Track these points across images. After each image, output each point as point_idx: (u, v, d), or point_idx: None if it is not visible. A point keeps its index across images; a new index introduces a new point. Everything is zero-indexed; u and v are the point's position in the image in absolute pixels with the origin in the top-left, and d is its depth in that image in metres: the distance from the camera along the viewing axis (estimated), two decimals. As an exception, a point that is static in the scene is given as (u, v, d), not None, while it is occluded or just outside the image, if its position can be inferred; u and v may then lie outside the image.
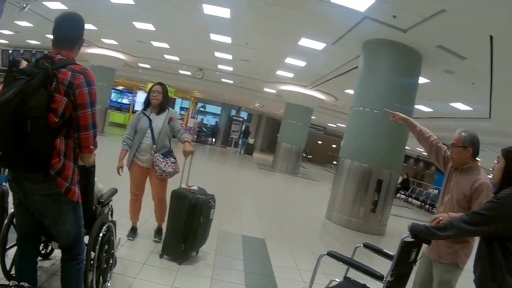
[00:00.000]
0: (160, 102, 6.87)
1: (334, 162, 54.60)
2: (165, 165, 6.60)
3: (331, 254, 4.25)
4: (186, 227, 6.04)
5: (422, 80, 13.34)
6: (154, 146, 6.66)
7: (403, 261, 3.78)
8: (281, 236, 9.51)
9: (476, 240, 3.91)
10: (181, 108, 49.20)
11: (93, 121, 3.43)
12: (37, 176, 3.25)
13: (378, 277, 3.78)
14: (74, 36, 3.55)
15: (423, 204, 26.95)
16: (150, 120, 6.77)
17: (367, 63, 12.84)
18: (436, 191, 32.99)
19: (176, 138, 6.83)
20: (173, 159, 6.75)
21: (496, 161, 3.72)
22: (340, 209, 12.44)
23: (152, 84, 7.24)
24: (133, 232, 6.98)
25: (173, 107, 45.36)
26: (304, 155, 34.50)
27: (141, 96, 41.66)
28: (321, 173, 38.98)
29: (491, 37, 9.98)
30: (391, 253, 4.29)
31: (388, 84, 12.16)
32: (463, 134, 4.70)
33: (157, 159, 6.60)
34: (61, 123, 3.27)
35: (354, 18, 11.09)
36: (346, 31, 12.29)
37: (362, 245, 4.79)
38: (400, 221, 14.98)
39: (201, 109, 49.91)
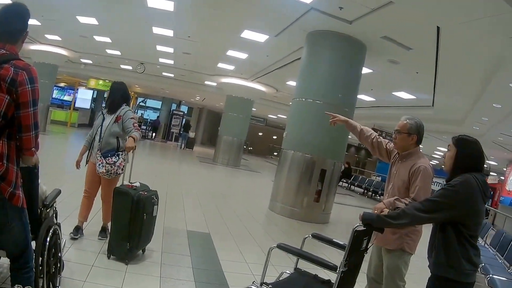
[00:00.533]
0: (112, 101, 6.88)
1: (275, 153, 54.95)
2: (99, 165, 6.49)
3: (281, 247, 4.15)
4: (129, 225, 5.88)
5: (365, 70, 13.50)
6: (99, 144, 6.59)
7: (355, 250, 3.73)
8: (226, 230, 9.44)
9: (426, 226, 3.94)
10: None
11: (35, 121, 3.23)
12: None
13: (331, 267, 3.71)
14: (18, 29, 3.28)
15: (365, 191, 27.58)
16: (103, 119, 6.76)
17: (310, 54, 12.84)
18: (379, 178, 33.62)
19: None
20: (114, 159, 6.56)
21: (447, 149, 3.77)
22: (284, 200, 12.50)
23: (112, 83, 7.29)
24: (77, 230, 6.65)
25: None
26: (245, 147, 34.55)
27: (82, 93, 41.19)
28: (262, 164, 39.44)
29: (438, 28, 10.12)
30: (341, 243, 4.36)
31: (331, 75, 12.23)
32: (409, 121, 4.87)
33: (97, 158, 6.54)
34: (3, 123, 3.07)
35: (300, 10, 11.06)
36: (290, 23, 12.27)
37: (310, 236, 4.70)
38: (343, 209, 15.14)
39: (141, 104, 49.47)
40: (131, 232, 5.89)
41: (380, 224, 3.66)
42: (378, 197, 25.79)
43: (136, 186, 6.20)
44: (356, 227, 3.62)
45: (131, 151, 6.30)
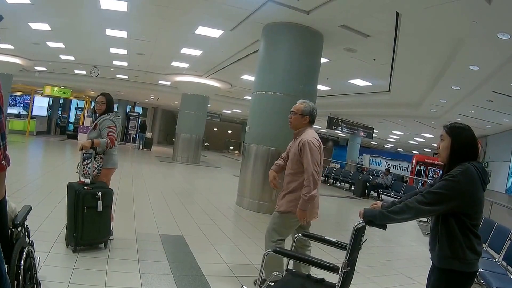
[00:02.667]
0: (103, 111, 7.38)
1: (231, 147, 55.11)
2: (78, 166, 7.05)
3: (277, 251, 4.03)
4: (74, 217, 6.42)
5: (321, 60, 13.39)
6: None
7: (355, 248, 3.65)
8: (198, 230, 9.29)
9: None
10: (77, 109, 48.31)
11: (2, 132, 2.84)
12: None
13: (333, 269, 3.61)
14: None
15: (326, 179, 27.88)
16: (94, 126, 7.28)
17: (268, 47, 12.77)
18: (338, 165, 33.87)
19: None
20: (86, 161, 7.03)
21: (440, 139, 3.69)
22: (251, 194, 12.49)
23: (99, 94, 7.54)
24: None
25: (69, 109, 44.51)
26: (206, 144, 34.58)
27: (39, 100, 40.78)
28: (220, 159, 39.44)
29: (397, 14, 10.17)
30: (333, 240, 4.30)
31: (290, 67, 12.20)
32: (303, 105, 5.82)
33: (80, 162, 7.00)
34: None
35: (256, 2, 10.98)
36: (246, 16, 12.18)
37: (300, 235, 4.64)
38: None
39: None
40: (76, 223, 6.40)
41: (383, 221, 3.59)
42: (339, 184, 26.03)
43: (85, 182, 6.71)
44: (356, 225, 3.52)
45: (80, 149, 6.85)
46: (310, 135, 5.64)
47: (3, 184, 3.07)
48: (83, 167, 6.98)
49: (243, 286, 5.08)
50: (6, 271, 3.33)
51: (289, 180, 5.76)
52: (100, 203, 6.59)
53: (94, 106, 7.49)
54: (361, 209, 3.68)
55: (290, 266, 4.57)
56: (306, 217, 5.43)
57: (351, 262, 3.61)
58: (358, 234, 3.59)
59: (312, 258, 3.85)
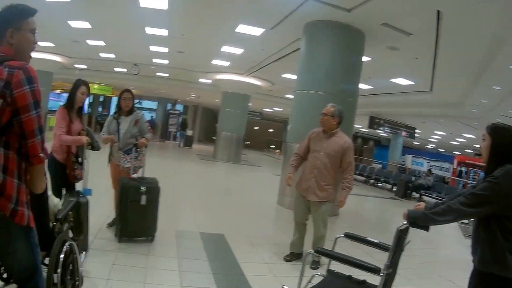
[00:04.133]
0: (130, 108, 7.57)
1: (272, 146, 54.93)
2: (124, 161, 7.35)
3: (318, 251, 4.08)
4: (120, 209, 6.95)
5: (364, 58, 13.24)
6: (119, 144, 7.42)
7: (398, 249, 3.60)
8: (239, 228, 9.28)
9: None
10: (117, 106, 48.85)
11: (39, 126, 2.89)
12: None
13: (374, 270, 3.55)
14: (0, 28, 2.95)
15: (367, 179, 27.25)
16: (118, 123, 7.49)
17: (309, 45, 12.61)
18: (380, 166, 33.47)
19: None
20: (135, 155, 7.41)
21: (482, 139, 3.61)
22: (292, 194, 12.23)
23: (122, 91, 7.67)
24: (114, 222, 7.62)
25: (110, 106, 44.95)
26: (247, 143, 34.58)
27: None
28: (261, 158, 39.11)
29: (438, 12, 10.01)
30: (376, 241, 4.26)
31: (332, 65, 12.03)
32: (332, 108, 6.85)
33: (120, 156, 7.41)
34: None
35: (297, 0, 10.87)
36: (287, 14, 12.07)
37: (343, 235, 4.56)
38: (349, 199, 14.86)
39: (137, 105, 49.41)
40: (121, 215, 6.96)
41: (426, 222, 3.53)
42: (380, 184, 25.73)
43: (134, 177, 7.24)
44: (400, 227, 3.46)
45: (144, 146, 7.51)
46: (347, 137, 6.91)
47: (43, 177, 3.19)
48: (128, 162, 7.35)
49: (284, 286, 5.04)
50: (47, 263, 3.49)
51: (326, 174, 6.82)
52: (143, 197, 6.88)
53: (118, 102, 7.60)
54: (405, 210, 3.64)
55: (331, 267, 4.49)
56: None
57: (393, 264, 3.56)
58: (401, 236, 3.54)
59: (355, 259, 3.77)
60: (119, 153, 7.44)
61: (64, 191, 5.97)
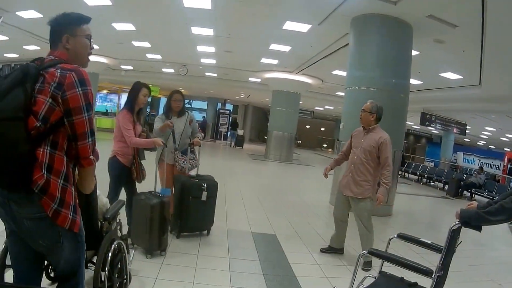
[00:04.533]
0: (181, 109, 7.82)
1: (324, 145, 54.76)
2: (183, 162, 7.62)
3: (371, 253, 4.00)
4: (179, 206, 7.21)
5: (412, 52, 13.04)
6: (175, 145, 7.61)
7: (450, 250, 3.49)
8: (291, 229, 9.20)
9: None
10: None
11: (90, 128, 2.93)
12: (22, 196, 2.72)
13: (427, 272, 3.47)
14: (53, 34, 3.06)
15: (420, 178, 26.82)
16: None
17: (357, 40, 12.56)
18: (432, 164, 32.95)
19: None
20: (192, 155, 7.86)
21: None
22: (344, 194, 12.15)
23: (172, 91, 8.08)
24: None
25: (158, 107, 45.43)
26: (298, 142, 34.55)
27: (125, 99, 41.87)
28: (313, 157, 38.97)
29: (482, 3, 9.78)
30: (428, 242, 4.13)
31: (382, 60, 11.91)
32: (370, 104, 6.98)
33: (177, 157, 7.64)
34: (43, 128, 2.74)
35: (342, -6, 10.78)
36: (333, 9, 11.97)
37: (396, 236, 4.46)
38: (402, 198, 14.66)
39: (187, 105, 49.80)
40: (181, 211, 7.24)
41: (479, 222, 3.42)
42: (432, 183, 25.37)
43: (191, 175, 7.63)
44: (452, 227, 3.36)
45: (198, 145, 7.91)
46: (385, 133, 6.93)
47: (93, 178, 3.24)
48: (184, 161, 7.63)
49: (335, 287, 4.96)
50: (95, 261, 3.58)
51: (362, 169, 6.91)
52: (205, 193, 7.29)
53: (168, 103, 7.87)
54: (458, 210, 3.52)
55: (384, 268, 4.39)
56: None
57: (445, 266, 3.48)
58: (453, 236, 3.44)
59: (407, 260, 3.68)
60: (176, 154, 7.64)
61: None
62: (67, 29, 3.06)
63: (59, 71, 2.78)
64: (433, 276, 3.40)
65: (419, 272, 3.54)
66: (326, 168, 7.47)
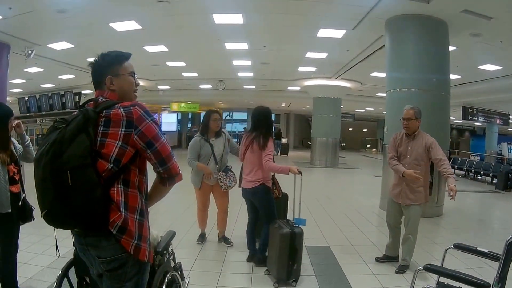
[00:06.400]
0: (219, 128, 7.86)
1: (368, 146, 54.44)
2: (229, 181, 7.75)
3: (428, 268, 3.91)
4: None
5: (449, 48, 12.89)
6: (217, 166, 7.76)
7: (507, 262, 3.42)
8: (344, 239, 9.10)
9: None
10: (207, 121, 50.00)
11: (171, 149, 3.10)
12: (99, 239, 2.79)
13: (484, 286, 3.42)
14: (96, 76, 3.11)
15: (467, 173, 26.29)
16: (211, 145, 7.74)
17: (393, 42, 12.54)
18: (478, 158, 32.37)
19: (235, 154, 8.05)
20: (232, 173, 7.88)
21: None
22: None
23: (209, 110, 8.05)
24: (202, 237, 8.41)
25: (199, 121, 46.10)
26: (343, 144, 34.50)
27: (166, 117, 42.42)
28: (358, 159, 38.67)
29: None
30: (485, 251, 4.09)
31: (420, 60, 11.86)
32: (414, 110, 6.90)
33: (221, 177, 7.73)
34: (116, 170, 2.80)
35: (374, -2, 10.75)
36: (366, 13, 11.97)
37: (452, 246, 4.42)
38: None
39: (228, 117, 49.93)
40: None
41: None
42: (480, 177, 24.97)
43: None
44: (510, 239, 3.29)
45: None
46: (428, 135, 6.99)
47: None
48: (229, 180, 7.77)
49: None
50: None
51: (418, 174, 6.66)
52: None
53: (205, 122, 7.81)
54: None
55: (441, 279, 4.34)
56: None
57: (502, 278, 3.41)
58: (510, 249, 3.37)
59: (463, 275, 3.63)
60: (220, 174, 7.72)
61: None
62: (108, 70, 3.09)
63: (122, 109, 2.84)
64: (490, 289, 3.34)
65: (475, 286, 3.49)
66: (410, 173, 6.76)
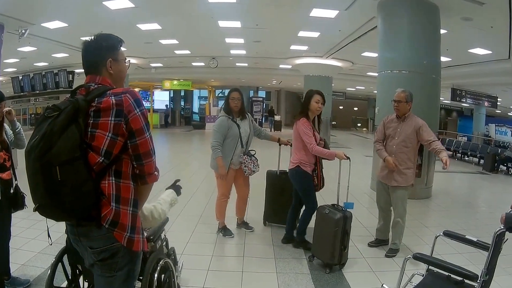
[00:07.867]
0: (240, 108, 7.44)
1: (359, 125, 54.54)
2: (253, 166, 7.52)
3: (417, 257, 3.98)
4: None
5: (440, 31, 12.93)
6: (242, 149, 7.46)
7: (495, 254, 3.49)
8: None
9: None
10: (200, 98, 49.85)
11: (152, 146, 2.98)
12: (91, 228, 2.78)
13: (472, 278, 3.52)
14: (96, 57, 3.02)
15: (454, 153, 26.56)
16: (238, 126, 7.39)
17: (385, 24, 12.54)
18: (465, 138, 32.57)
19: (258, 137, 7.97)
20: (255, 158, 7.63)
21: None
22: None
23: (230, 90, 7.65)
24: (225, 230, 7.86)
25: (192, 99, 45.60)
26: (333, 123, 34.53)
27: (159, 95, 42.27)
28: (349, 138, 38.82)
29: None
30: (474, 239, 4.14)
31: (412, 42, 11.86)
32: (405, 93, 6.96)
33: (246, 161, 7.45)
34: (107, 162, 2.77)
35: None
36: (360, -7, 11.87)
37: (442, 234, 4.51)
38: (439, 177, 14.28)
39: (220, 95, 49.90)
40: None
41: None
42: (467, 158, 25.32)
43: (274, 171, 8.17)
44: (497, 231, 3.36)
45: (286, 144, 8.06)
46: (418, 117, 7.04)
47: (148, 196, 3.25)
48: (254, 165, 7.57)
49: (383, 285, 4.97)
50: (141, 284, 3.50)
51: (403, 158, 6.98)
52: None
53: (227, 103, 7.42)
54: (503, 214, 3.48)
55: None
56: None
57: (490, 270, 3.47)
58: (498, 241, 3.43)
59: (452, 265, 3.70)
60: (246, 158, 7.49)
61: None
62: (109, 53, 3.07)
63: (112, 98, 2.78)
64: (478, 281, 3.43)
65: (463, 277, 3.59)
66: (389, 159, 6.99)
